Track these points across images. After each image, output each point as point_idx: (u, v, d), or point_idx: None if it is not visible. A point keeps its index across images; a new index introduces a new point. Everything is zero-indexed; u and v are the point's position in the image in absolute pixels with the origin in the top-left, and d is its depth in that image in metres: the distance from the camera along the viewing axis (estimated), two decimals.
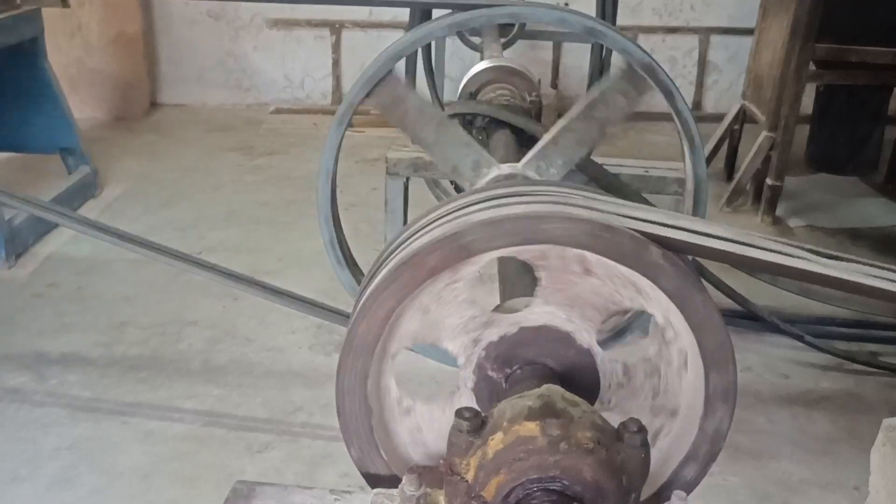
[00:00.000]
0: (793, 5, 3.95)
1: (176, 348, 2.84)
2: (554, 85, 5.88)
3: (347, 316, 2.42)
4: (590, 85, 4.62)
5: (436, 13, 3.38)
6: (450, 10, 2.01)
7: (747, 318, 3.02)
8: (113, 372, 2.69)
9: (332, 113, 5.69)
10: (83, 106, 4.67)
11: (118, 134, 5.04)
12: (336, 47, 5.67)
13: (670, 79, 1.97)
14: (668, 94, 1.95)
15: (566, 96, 5.60)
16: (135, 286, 3.17)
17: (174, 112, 5.56)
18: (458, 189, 2.66)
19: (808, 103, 4.34)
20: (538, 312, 1.21)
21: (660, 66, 1.93)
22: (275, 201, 4.17)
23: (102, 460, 2.28)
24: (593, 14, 3.75)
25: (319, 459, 2.33)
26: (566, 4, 5.80)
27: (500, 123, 2.54)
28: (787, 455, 2.44)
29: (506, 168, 1.95)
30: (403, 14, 5.56)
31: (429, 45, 4.00)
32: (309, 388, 2.66)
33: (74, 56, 4.78)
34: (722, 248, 1.14)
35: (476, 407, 1.15)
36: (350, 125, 5.69)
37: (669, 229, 1.13)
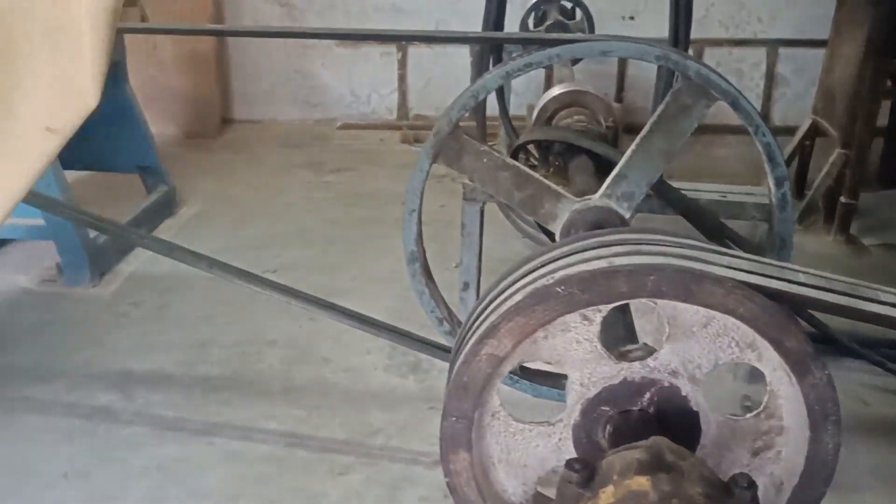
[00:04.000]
0: (868, 21, 3.89)
1: (256, 368, 2.91)
2: (619, 98, 5.85)
3: (419, 340, 2.46)
4: (656, 99, 4.62)
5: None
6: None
7: (823, 341, 2.98)
8: (196, 392, 2.76)
9: (398, 128, 5.80)
10: (157, 123, 4.79)
11: (192, 151, 5.17)
12: (402, 63, 5.74)
13: (756, 110, 1.97)
14: (755, 127, 1.95)
15: (632, 109, 5.57)
16: (214, 305, 3.25)
17: (245, 128, 5.67)
18: (541, 226, 2.67)
19: (881, 119, 4.26)
20: (652, 361, 1.23)
21: (746, 100, 1.93)
22: (345, 219, 4.23)
23: (189, 481, 2.35)
24: (664, 31, 3.76)
25: (399, 483, 2.37)
26: (631, 18, 5.79)
27: (578, 149, 2.56)
28: (868, 486, 2.40)
29: (582, 203, 1.97)
30: (470, 29, 5.61)
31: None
32: (386, 411, 2.70)
33: (149, 74, 4.92)
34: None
35: (571, 444, 1.18)
36: (417, 141, 5.74)
37: (824, 292, 1.14)
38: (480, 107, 3.62)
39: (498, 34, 2.82)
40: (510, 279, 1.31)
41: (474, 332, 1.27)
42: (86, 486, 2.32)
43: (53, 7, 1.10)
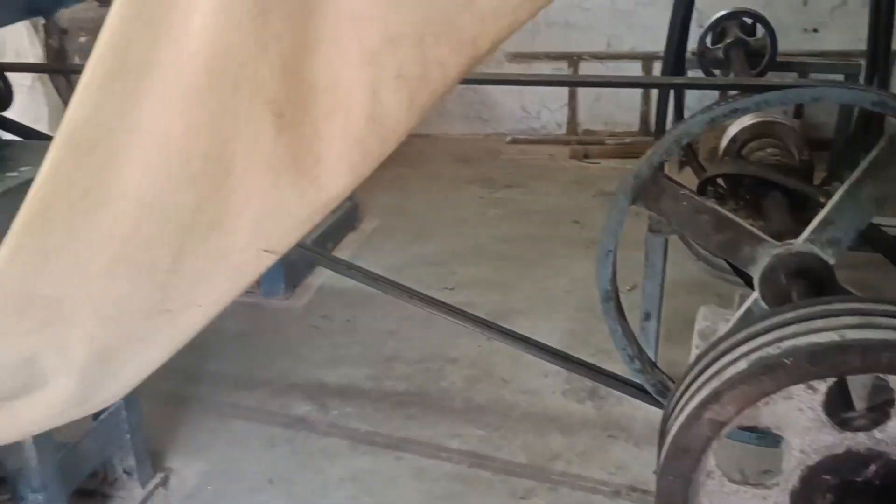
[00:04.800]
0: None
1: (439, 385, 3.03)
2: (798, 114, 5.64)
3: (598, 371, 2.49)
4: (841, 118, 4.44)
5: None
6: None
7: None
8: (384, 406, 2.92)
9: (567, 143, 5.81)
10: None
11: None
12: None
13: None
14: None
15: (813, 125, 5.35)
16: (398, 320, 3.41)
17: (418, 143, 5.86)
18: (733, 267, 2.63)
19: None
20: (878, 432, 1.23)
21: None
22: (518, 237, 4.31)
23: (382, 494, 2.50)
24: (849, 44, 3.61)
25: None
26: (814, 31, 5.56)
27: (771, 185, 2.52)
28: None
29: (784, 247, 1.95)
30: (643, 45, 5.57)
31: (681, 93, 4.00)
32: (565, 435, 2.75)
33: None
34: None
35: None
36: (586, 157, 5.74)
37: None
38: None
39: (697, 80, 2.82)
40: (730, 343, 1.34)
41: (693, 394, 1.30)
42: (289, 493, 2.51)
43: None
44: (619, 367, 2.71)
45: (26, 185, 1.88)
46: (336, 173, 1.14)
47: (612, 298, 2.15)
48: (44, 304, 1.16)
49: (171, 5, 1.02)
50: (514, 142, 5.86)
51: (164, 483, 2.53)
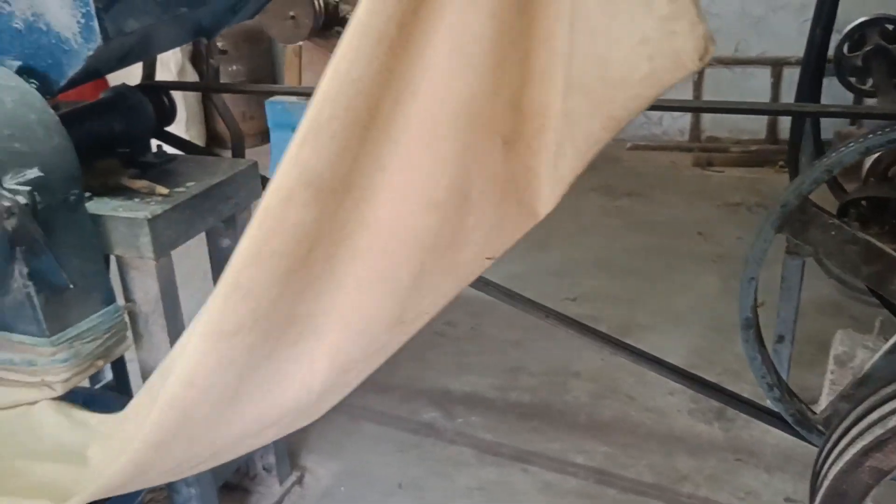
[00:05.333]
0: None
1: (563, 399, 3.06)
2: None
3: (730, 394, 2.46)
4: None
5: None
6: None
7: None
8: (509, 417, 2.96)
9: (689, 150, 5.73)
10: None
11: None
12: (698, 85, 5.65)
13: None
14: None
15: None
16: (522, 330, 3.44)
17: None
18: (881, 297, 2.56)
19: None
20: None
21: None
22: (640, 248, 4.27)
23: None
24: None
25: None
26: None
27: None
28: None
29: None
30: (772, 50, 5.42)
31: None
32: (692, 457, 2.74)
33: None
34: None
35: None
36: (710, 164, 5.62)
37: None
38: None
39: (835, 107, 2.75)
40: (891, 390, 1.32)
41: (854, 440, 1.29)
42: (418, 499, 2.58)
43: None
44: (748, 389, 2.69)
45: (195, 199, 2.01)
46: (545, 182, 1.32)
47: (753, 326, 2.13)
48: (300, 322, 1.30)
49: (410, 65, 1.16)
50: (635, 148, 5.79)
51: (299, 481, 2.65)
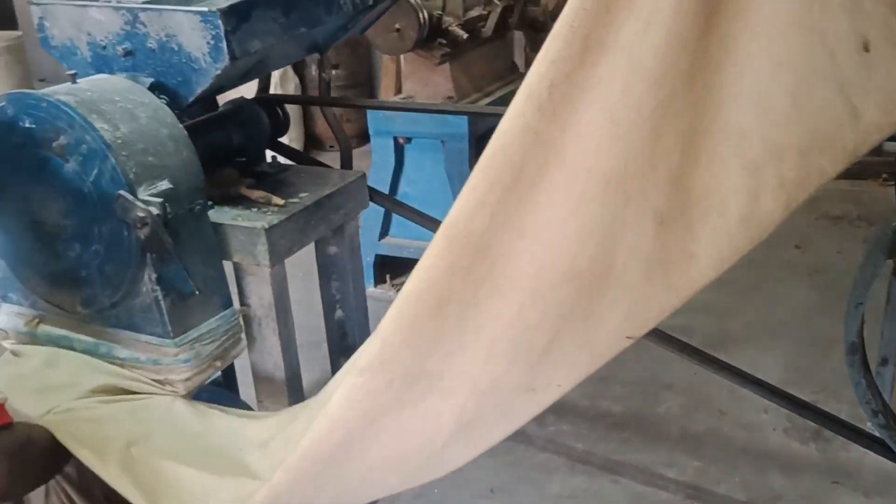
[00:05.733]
0: None
1: (654, 411, 3.06)
2: None
3: (829, 416, 2.42)
4: None
5: None
6: None
7: None
8: (600, 426, 2.98)
9: None
10: None
11: None
12: None
13: None
14: None
15: None
16: None
17: None
18: None
19: None
20: None
21: None
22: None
23: None
24: None
25: None
26: None
27: None
28: None
29: None
30: None
31: None
32: (786, 476, 2.71)
33: None
34: None
35: None
36: None
37: None
38: None
39: None
40: None
41: None
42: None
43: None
44: (846, 409, 2.65)
45: (308, 210, 2.10)
46: (704, 266, 1.25)
47: (859, 351, 2.10)
48: (427, 378, 1.33)
49: (562, 131, 1.14)
50: None
51: None
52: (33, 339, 2.01)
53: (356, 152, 5.36)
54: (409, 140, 3.56)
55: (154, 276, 1.81)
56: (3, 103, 1.79)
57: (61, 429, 1.72)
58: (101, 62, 2.01)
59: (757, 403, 3.02)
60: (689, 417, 3.01)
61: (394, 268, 3.95)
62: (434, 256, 1.21)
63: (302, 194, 2.16)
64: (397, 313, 1.26)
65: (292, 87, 5.14)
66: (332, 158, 3.20)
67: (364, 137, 4.51)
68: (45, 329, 2.00)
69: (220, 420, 1.83)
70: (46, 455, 1.71)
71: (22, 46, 4.36)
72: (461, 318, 1.26)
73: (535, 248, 1.21)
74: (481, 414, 1.39)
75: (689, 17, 1.12)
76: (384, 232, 3.76)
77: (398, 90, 5.65)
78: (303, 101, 3.82)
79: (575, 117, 1.14)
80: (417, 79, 3.52)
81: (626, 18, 1.11)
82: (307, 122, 5.57)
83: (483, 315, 1.26)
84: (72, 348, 1.97)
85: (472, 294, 1.24)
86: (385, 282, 3.90)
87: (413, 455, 1.47)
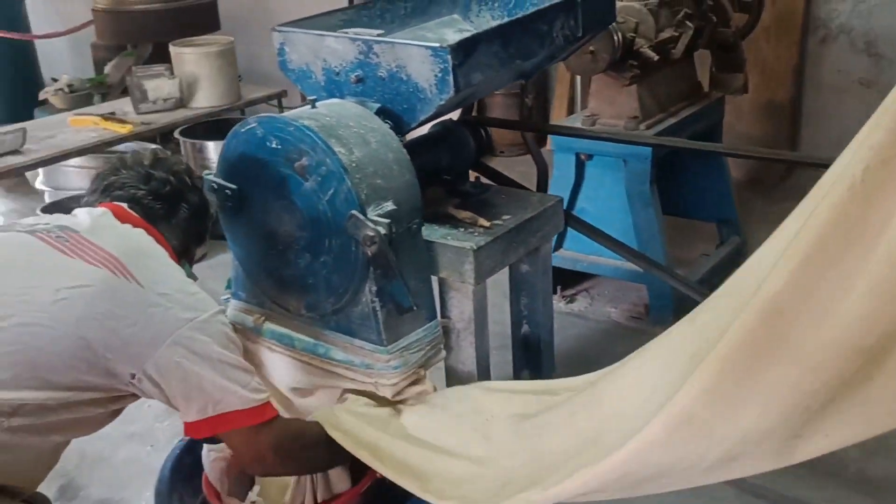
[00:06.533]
0: None
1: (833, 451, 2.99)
2: None
3: None
4: None
5: None
6: None
7: None
8: None
9: None
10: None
11: (755, 198, 5.31)
12: None
13: None
14: None
15: None
16: None
17: (808, 174, 5.64)
18: None
19: None
20: None
21: None
22: None
23: None
24: None
25: None
26: None
27: None
28: None
29: None
30: None
31: None
32: None
33: (726, 121, 5.16)
34: None
35: None
36: None
37: None
38: None
39: None
40: None
41: None
42: None
43: None
44: None
45: (511, 233, 2.21)
46: None
47: None
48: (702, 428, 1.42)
49: (870, 214, 1.18)
50: None
51: None
52: (258, 334, 2.22)
53: (516, 160, 5.47)
54: (590, 157, 3.61)
55: (374, 288, 1.97)
56: (254, 125, 1.99)
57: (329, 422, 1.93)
58: (333, 86, 2.19)
59: None
60: (869, 460, 2.92)
61: (565, 279, 4.02)
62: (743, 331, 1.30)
63: (505, 216, 2.27)
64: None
65: None
66: (502, 164, 3.31)
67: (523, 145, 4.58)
68: (270, 326, 2.21)
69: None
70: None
71: (233, 50, 4.66)
72: (738, 381, 1.34)
73: (826, 325, 1.25)
74: (740, 456, 1.48)
75: None
76: (558, 244, 3.83)
77: (570, 98, 5.71)
78: (508, 125, 3.94)
79: (885, 204, 1.16)
80: (603, 97, 3.57)
81: None
82: None
83: (760, 380, 1.32)
84: (292, 346, 2.16)
85: (757, 363, 1.31)
86: (556, 293, 3.97)
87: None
